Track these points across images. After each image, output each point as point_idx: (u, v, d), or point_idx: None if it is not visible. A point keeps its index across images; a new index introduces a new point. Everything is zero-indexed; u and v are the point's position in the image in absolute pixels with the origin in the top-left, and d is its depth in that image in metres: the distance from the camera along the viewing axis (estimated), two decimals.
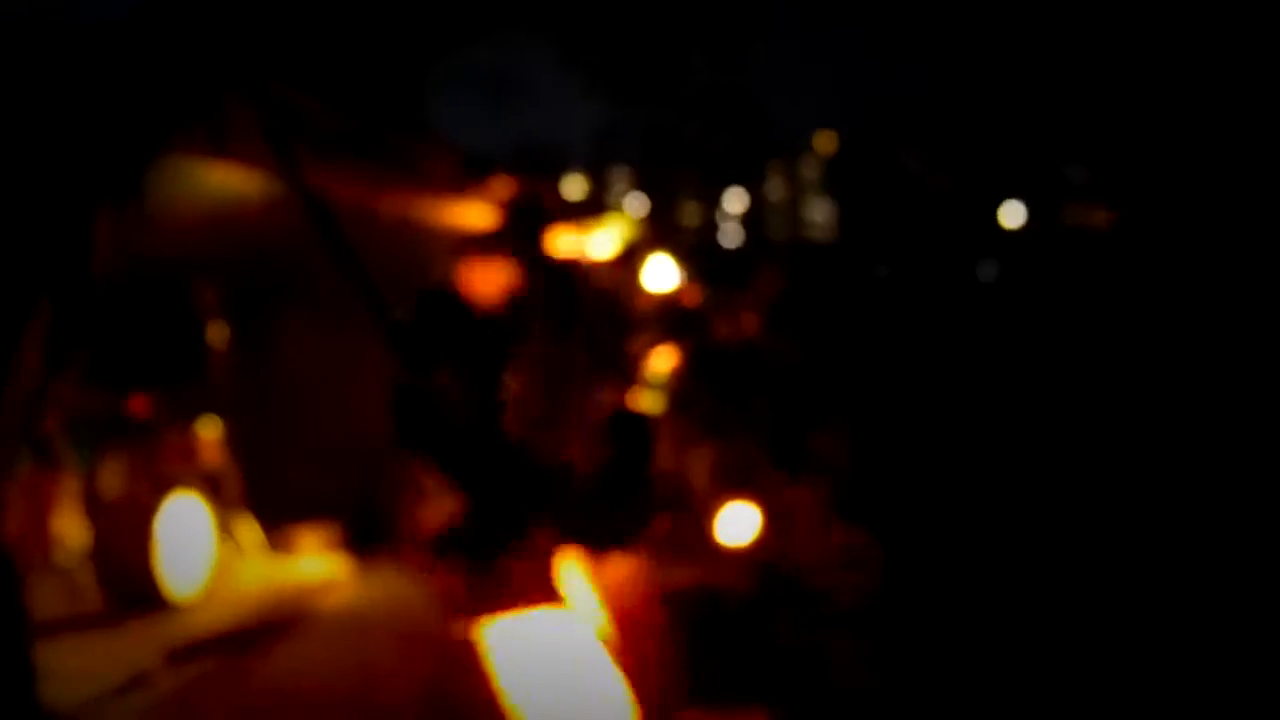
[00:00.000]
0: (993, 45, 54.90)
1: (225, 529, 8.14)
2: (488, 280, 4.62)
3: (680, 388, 8.01)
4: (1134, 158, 49.97)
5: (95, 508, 7.44)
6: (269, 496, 8.67)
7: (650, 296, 9.61)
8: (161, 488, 7.85)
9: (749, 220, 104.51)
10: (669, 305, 10.29)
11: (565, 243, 4.71)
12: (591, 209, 7.01)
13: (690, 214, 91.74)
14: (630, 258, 9.00)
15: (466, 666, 3.97)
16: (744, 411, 8.73)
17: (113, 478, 7.65)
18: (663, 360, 8.17)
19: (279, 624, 7.37)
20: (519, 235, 4.62)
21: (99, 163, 3.01)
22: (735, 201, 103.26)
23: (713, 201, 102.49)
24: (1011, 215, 57.43)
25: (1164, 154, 46.69)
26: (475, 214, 6.29)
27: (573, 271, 5.49)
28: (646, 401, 7.11)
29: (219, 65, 3.23)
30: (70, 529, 7.26)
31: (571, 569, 3.83)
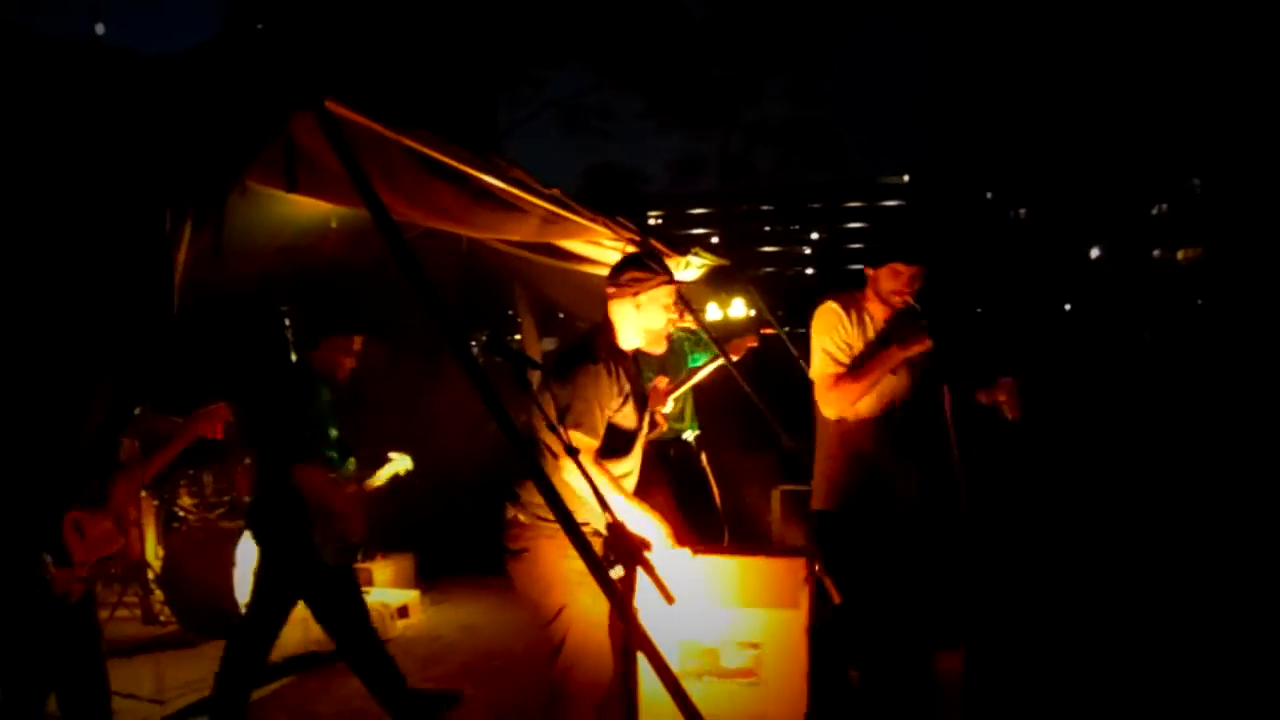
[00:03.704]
0: (1072, 78, 54.61)
1: None
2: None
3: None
4: (1220, 194, 49.52)
5: (172, 531, 7.51)
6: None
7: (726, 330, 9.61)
8: (237, 512, 7.92)
9: (827, 254, 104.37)
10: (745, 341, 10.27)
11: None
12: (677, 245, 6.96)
13: (769, 246, 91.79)
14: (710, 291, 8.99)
15: None
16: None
17: (190, 501, 7.73)
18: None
19: None
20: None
21: (177, 188, 3.03)
22: (814, 235, 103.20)
23: (791, 235, 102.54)
24: (1096, 250, 57.09)
25: (1248, 190, 46.21)
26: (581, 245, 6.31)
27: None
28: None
29: (292, 89, 3.24)
30: (149, 551, 7.33)
31: None
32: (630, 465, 4.88)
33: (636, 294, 4.74)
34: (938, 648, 5.35)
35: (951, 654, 5.33)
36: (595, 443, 4.55)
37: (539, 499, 4.51)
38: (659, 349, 4.94)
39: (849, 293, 5.40)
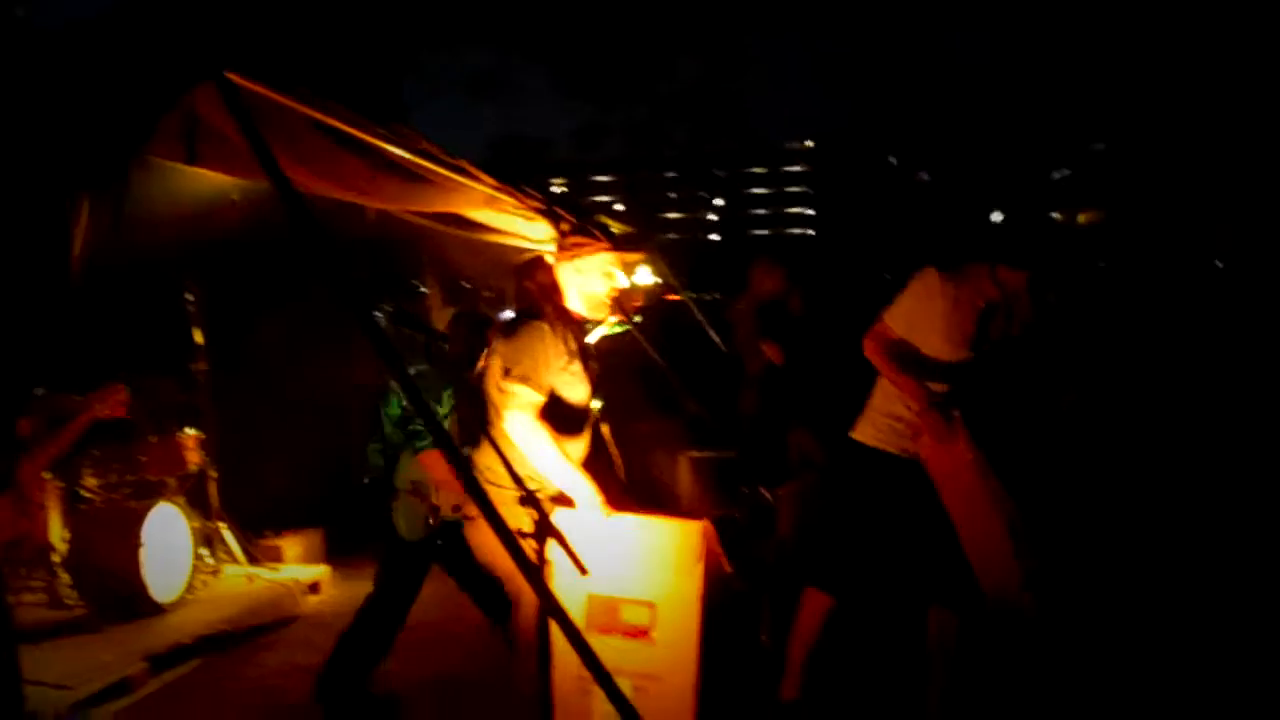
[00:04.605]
0: (972, 47, 55.13)
1: (207, 534, 8.11)
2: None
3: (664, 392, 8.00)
4: (1119, 160, 50.27)
5: (77, 513, 7.40)
6: (250, 502, 8.64)
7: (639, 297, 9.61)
8: (144, 492, 7.81)
9: (733, 221, 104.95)
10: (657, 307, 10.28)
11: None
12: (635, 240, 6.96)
13: (673, 213, 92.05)
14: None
15: None
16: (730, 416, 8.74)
17: (95, 482, 7.62)
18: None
19: (259, 628, 7.36)
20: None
21: (75, 162, 2.99)
22: (718, 201, 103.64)
23: (697, 202, 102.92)
24: (998, 213, 57.81)
25: (1148, 155, 46.95)
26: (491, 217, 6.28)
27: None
28: None
29: (192, 61, 3.20)
30: (53, 533, 7.22)
31: None
32: (582, 446, 4.99)
33: (575, 258, 4.89)
34: (933, 602, 5.43)
35: (945, 611, 5.39)
36: (541, 397, 4.64)
37: (487, 462, 4.61)
38: (601, 314, 5.07)
39: (961, 270, 5.28)
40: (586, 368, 4.93)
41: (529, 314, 4.81)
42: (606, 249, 4.88)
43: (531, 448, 4.55)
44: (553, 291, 4.94)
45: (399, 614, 5.91)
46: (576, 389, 4.86)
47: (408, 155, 4.62)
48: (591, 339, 5.25)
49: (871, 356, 5.26)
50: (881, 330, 5.27)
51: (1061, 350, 5.82)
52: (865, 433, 5.45)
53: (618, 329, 6.66)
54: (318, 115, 3.92)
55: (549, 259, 5.05)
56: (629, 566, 4.69)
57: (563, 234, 5.11)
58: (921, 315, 5.22)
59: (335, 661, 5.83)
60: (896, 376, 5.17)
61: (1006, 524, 5.04)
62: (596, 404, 5.11)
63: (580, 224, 5.09)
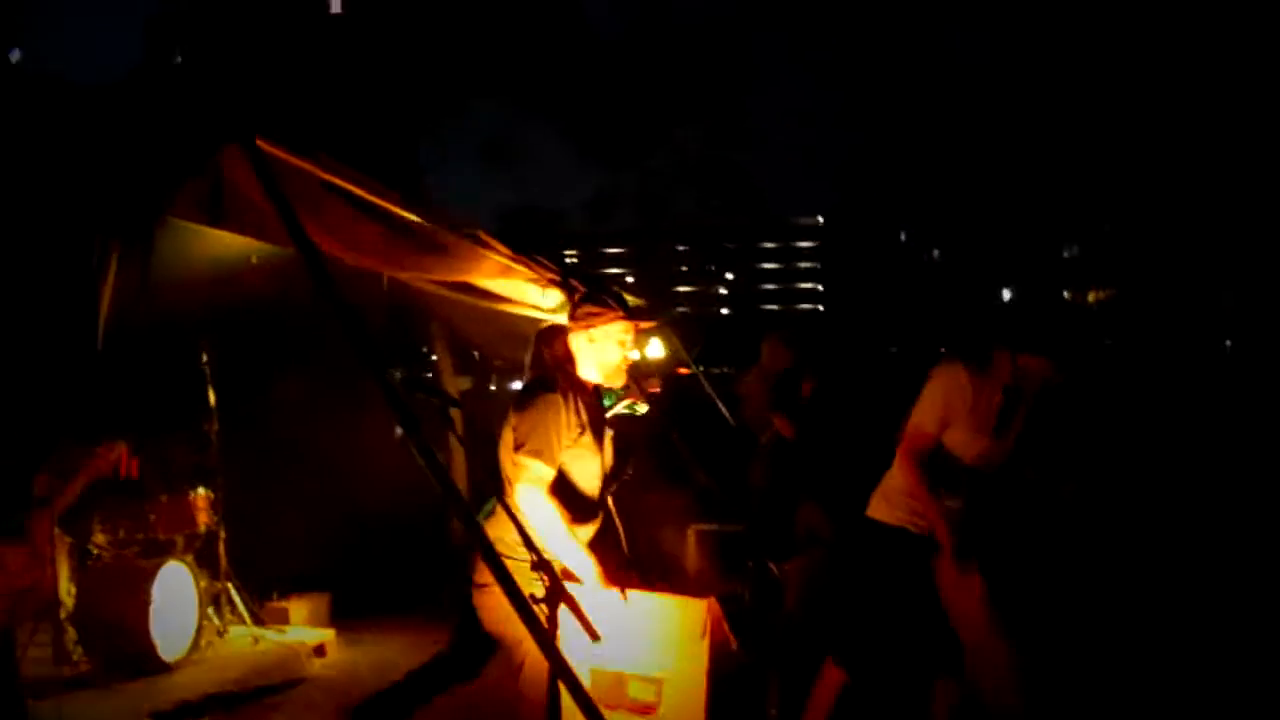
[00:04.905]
0: (982, 122, 55.43)
1: (215, 594, 8.11)
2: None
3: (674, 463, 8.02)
4: (1127, 237, 50.36)
5: (86, 569, 7.41)
6: (259, 562, 8.63)
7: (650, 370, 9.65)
8: (152, 550, 7.83)
9: (743, 295, 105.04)
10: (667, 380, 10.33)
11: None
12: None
13: (684, 286, 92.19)
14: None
15: None
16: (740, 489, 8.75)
17: (104, 539, 7.63)
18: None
19: (265, 689, 7.35)
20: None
21: (105, 220, 3.04)
22: (729, 275, 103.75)
23: (707, 274, 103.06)
24: (1008, 291, 57.87)
25: (1156, 233, 47.04)
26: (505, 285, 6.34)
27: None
28: None
29: (221, 124, 3.26)
30: (61, 589, 7.23)
31: None
32: (593, 521, 5.01)
33: (589, 327, 4.90)
34: (938, 673, 5.45)
35: (949, 680, 5.41)
36: (551, 471, 4.66)
37: (498, 534, 4.58)
38: (617, 382, 5.11)
39: (986, 360, 5.32)
40: (600, 440, 4.95)
41: (541, 385, 4.83)
42: (620, 317, 4.90)
43: (539, 523, 4.54)
44: (566, 361, 4.97)
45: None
46: (588, 462, 4.87)
47: (424, 222, 4.69)
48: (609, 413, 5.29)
49: (906, 467, 5.28)
50: (917, 434, 5.31)
51: (1063, 436, 5.83)
52: (883, 511, 5.47)
53: (636, 410, 6.72)
54: (339, 181, 3.98)
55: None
56: (635, 642, 4.67)
57: (575, 303, 5.13)
58: (950, 410, 5.25)
59: (385, 697, 5.71)
60: (924, 496, 5.20)
61: (1009, 651, 5.13)
62: (614, 475, 5.14)
63: (593, 292, 5.12)
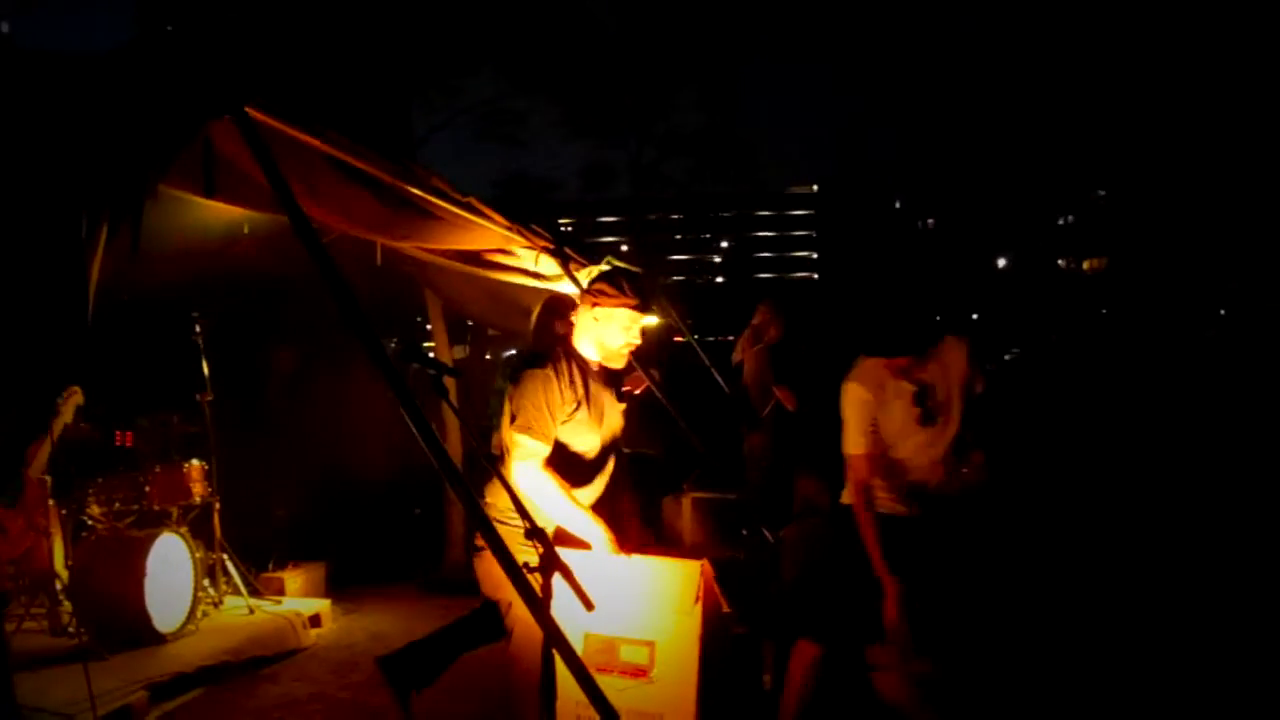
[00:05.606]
0: (981, 89, 55.30)
1: (210, 565, 8.11)
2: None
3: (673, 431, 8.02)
4: (1124, 206, 50.35)
5: (81, 540, 7.41)
6: (253, 534, 8.63)
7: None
8: (147, 522, 7.82)
9: (738, 263, 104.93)
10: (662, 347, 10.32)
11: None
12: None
13: (678, 254, 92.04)
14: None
15: None
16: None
17: (99, 510, 7.63)
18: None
19: (261, 660, 7.35)
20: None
21: (96, 190, 3.02)
22: (723, 243, 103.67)
23: (702, 245, 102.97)
24: (1003, 259, 57.91)
25: (1151, 201, 47.03)
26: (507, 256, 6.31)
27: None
28: None
29: (213, 94, 3.24)
30: (57, 562, 7.22)
31: None
32: (592, 492, 4.98)
33: (595, 305, 4.84)
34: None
35: (923, 660, 5.40)
36: (545, 447, 4.64)
37: (493, 500, 4.66)
38: (616, 365, 5.02)
39: (860, 374, 5.27)
40: (593, 406, 4.89)
41: (534, 359, 4.80)
42: (630, 305, 4.84)
43: (537, 496, 4.55)
44: (568, 333, 4.96)
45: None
46: (584, 436, 4.86)
47: (418, 191, 4.66)
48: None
49: (857, 509, 5.23)
50: (855, 462, 5.25)
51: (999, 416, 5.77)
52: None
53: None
54: (333, 151, 3.96)
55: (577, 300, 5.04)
56: (628, 605, 4.68)
57: (594, 277, 5.06)
58: (865, 422, 5.20)
59: (414, 650, 5.71)
60: (872, 544, 5.16)
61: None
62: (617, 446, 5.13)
63: (615, 273, 5.05)
